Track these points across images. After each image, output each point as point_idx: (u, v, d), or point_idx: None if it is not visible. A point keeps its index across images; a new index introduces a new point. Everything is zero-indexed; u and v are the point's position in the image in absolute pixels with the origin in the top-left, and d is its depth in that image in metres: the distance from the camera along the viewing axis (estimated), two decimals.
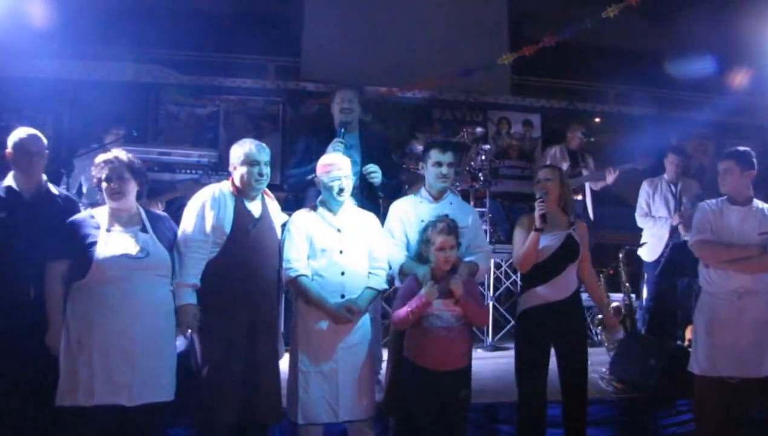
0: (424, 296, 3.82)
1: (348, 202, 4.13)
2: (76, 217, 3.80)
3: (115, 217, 3.74)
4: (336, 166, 4.06)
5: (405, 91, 8.45)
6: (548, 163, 7.81)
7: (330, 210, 4.08)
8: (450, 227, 3.95)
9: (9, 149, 3.91)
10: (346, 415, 3.94)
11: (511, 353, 4.52)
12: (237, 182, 3.94)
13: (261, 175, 3.93)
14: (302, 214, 4.11)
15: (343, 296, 3.95)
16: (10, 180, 3.93)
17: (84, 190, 5.34)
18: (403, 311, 3.88)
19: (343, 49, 8.92)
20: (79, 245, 3.64)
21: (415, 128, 8.00)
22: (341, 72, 8.76)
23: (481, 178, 7.14)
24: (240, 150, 3.95)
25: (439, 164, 4.33)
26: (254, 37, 8.94)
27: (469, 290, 3.96)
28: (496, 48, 8.87)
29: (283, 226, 4.11)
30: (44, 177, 4.01)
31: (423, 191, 4.46)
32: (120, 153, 3.80)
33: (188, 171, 6.20)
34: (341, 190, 4.03)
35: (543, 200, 4.25)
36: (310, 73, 8.96)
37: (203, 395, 3.77)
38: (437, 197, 4.40)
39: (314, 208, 4.11)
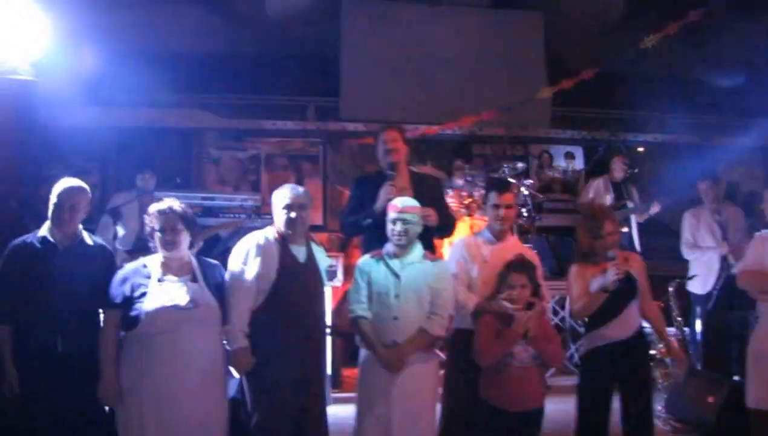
0: (514, 329, 3.83)
1: (416, 247, 4.09)
2: (129, 267, 3.83)
3: (167, 266, 3.76)
4: (395, 208, 4.06)
5: (444, 128, 8.41)
6: (592, 195, 7.72)
7: (394, 255, 4.06)
8: (522, 265, 3.98)
9: (52, 200, 3.89)
10: None
11: (563, 393, 4.42)
12: (279, 228, 3.95)
13: (302, 219, 3.94)
14: (367, 258, 4.14)
15: (395, 342, 3.92)
16: (45, 230, 3.91)
17: (120, 234, 5.39)
18: (490, 347, 3.89)
19: (382, 87, 8.96)
20: (131, 296, 3.66)
21: (455, 165, 7.93)
22: (380, 110, 8.80)
23: (525, 213, 7.08)
24: (280, 196, 3.98)
25: (497, 207, 4.35)
26: (293, 79, 9.04)
27: (544, 328, 3.96)
28: (534, 81, 8.85)
29: (331, 271, 4.10)
30: (80, 227, 4.00)
31: (485, 231, 4.46)
32: (173, 203, 3.82)
33: (232, 215, 6.25)
34: (399, 234, 4.01)
35: (617, 264, 4.08)
36: (350, 113, 8.99)
37: None
38: (499, 237, 4.39)
39: (380, 253, 4.11)
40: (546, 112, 9.19)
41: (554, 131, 9.44)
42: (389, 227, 4.06)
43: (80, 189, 3.95)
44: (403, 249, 4.05)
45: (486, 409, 3.91)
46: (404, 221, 4.01)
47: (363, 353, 4.10)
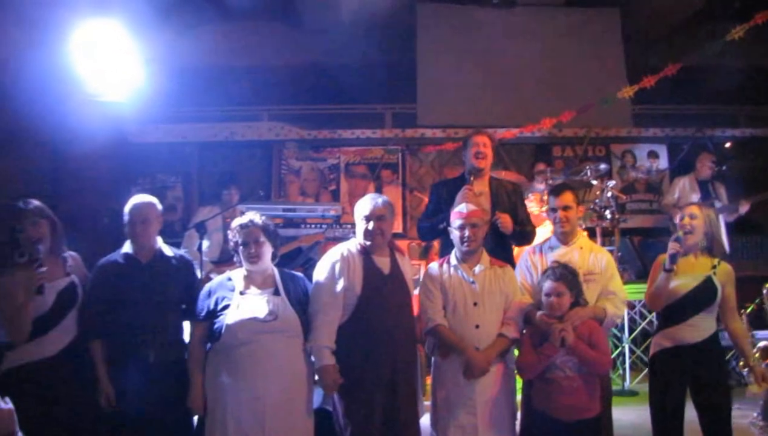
0: (545, 350, 3.76)
1: (483, 253, 4.07)
2: (215, 280, 3.93)
3: (251, 279, 3.83)
4: (460, 214, 4.04)
5: (523, 131, 8.31)
6: (677, 195, 7.50)
7: (464, 261, 4.04)
8: (558, 273, 3.86)
9: (126, 217, 3.99)
10: None
11: None
12: (362, 240, 3.96)
13: (382, 230, 3.94)
14: (436, 266, 4.11)
15: (477, 349, 3.89)
16: (127, 247, 4.02)
17: (204, 247, 5.54)
18: (530, 361, 3.84)
19: (459, 92, 8.92)
20: (215, 309, 3.76)
21: (536, 169, 7.82)
22: (458, 116, 8.78)
23: (608, 215, 6.93)
24: (361, 207, 3.99)
25: (553, 210, 4.30)
26: (370, 87, 9.11)
27: (589, 336, 3.82)
28: (614, 79, 8.68)
29: (415, 279, 4.10)
30: (159, 240, 4.10)
31: (553, 238, 4.39)
32: (255, 217, 3.89)
33: (313, 225, 6.33)
34: (464, 240, 3.99)
35: (678, 240, 4.07)
36: (427, 120, 8.99)
37: None
38: (565, 242, 4.31)
39: (448, 259, 4.08)
40: (627, 110, 8.98)
41: (636, 130, 9.17)
42: (454, 232, 4.04)
43: (149, 204, 4.03)
44: (470, 255, 4.02)
45: (541, 418, 3.84)
46: (469, 227, 3.98)
47: (436, 362, 4.07)
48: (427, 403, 4.24)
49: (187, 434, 3.92)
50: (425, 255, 7.33)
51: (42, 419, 3.41)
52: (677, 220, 4.29)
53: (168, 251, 4.09)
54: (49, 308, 3.75)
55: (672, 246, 4.05)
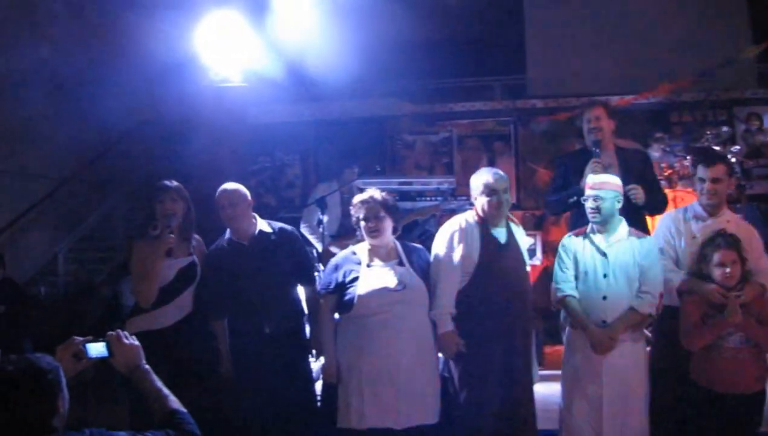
0: (727, 318, 3.65)
1: (621, 224, 4.03)
2: (340, 255, 4.14)
3: (374, 252, 3.99)
4: (591, 186, 4.02)
5: (639, 98, 8.09)
6: None
7: (599, 233, 4.02)
8: (729, 241, 3.76)
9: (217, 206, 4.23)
10: None
11: None
12: (480, 211, 4.03)
13: (500, 202, 3.99)
14: (572, 237, 4.13)
15: (604, 322, 3.89)
16: (229, 233, 4.27)
17: (324, 221, 5.74)
18: (698, 333, 3.76)
19: (569, 60, 8.79)
20: (344, 281, 3.95)
21: (654, 136, 7.58)
22: (569, 85, 8.64)
23: (733, 182, 6.67)
24: (478, 181, 4.04)
25: (702, 181, 4.17)
26: (479, 60, 9.10)
27: (759, 311, 3.73)
28: (737, 39, 8.29)
29: (530, 250, 4.14)
30: (254, 219, 4.29)
31: (696, 206, 4.27)
32: (375, 193, 4.04)
33: (428, 199, 6.42)
34: (594, 211, 3.97)
35: None
36: (537, 90, 8.91)
37: (462, 419, 3.90)
38: (711, 213, 4.19)
39: (584, 230, 4.09)
40: (752, 71, 8.56)
41: (762, 90, 8.71)
42: (586, 204, 4.03)
43: (234, 188, 4.21)
44: (602, 226, 4.00)
45: (697, 391, 3.78)
46: (597, 198, 3.95)
47: (568, 331, 4.11)
48: (553, 372, 4.26)
49: (309, 403, 4.19)
50: (540, 226, 7.32)
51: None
52: None
53: (267, 227, 4.29)
54: (169, 282, 4.07)
55: None
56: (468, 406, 3.88)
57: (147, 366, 2.59)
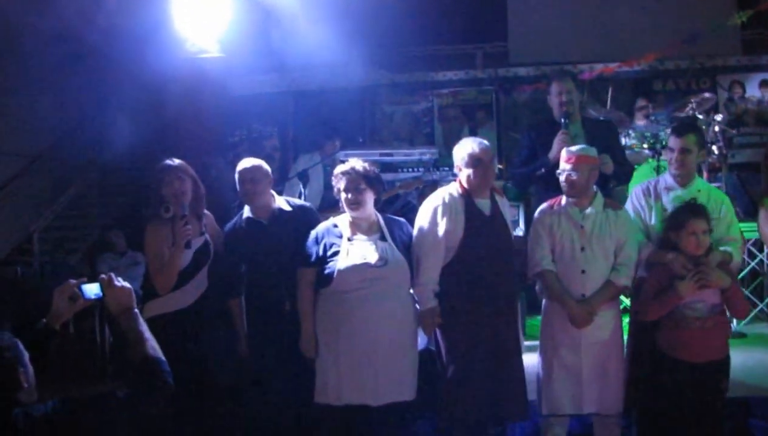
0: (680, 292, 3.64)
1: (596, 196, 3.99)
2: (321, 226, 4.01)
3: (356, 225, 3.90)
4: (566, 160, 3.95)
5: (623, 66, 8.00)
6: None
7: (575, 204, 3.97)
8: (700, 210, 3.74)
9: (237, 181, 4.17)
10: (592, 407, 3.91)
11: (762, 340, 4.15)
12: (464, 183, 3.95)
13: (486, 173, 3.92)
14: (546, 208, 4.06)
15: (583, 296, 3.86)
16: (247, 211, 4.21)
17: (305, 194, 5.66)
18: (650, 306, 3.76)
19: (552, 27, 8.67)
20: (324, 255, 3.85)
21: (637, 105, 7.52)
22: (552, 52, 8.54)
23: (715, 151, 6.64)
24: (462, 151, 3.95)
25: (671, 150, 4.16)
26: (459, 27, 8.96)
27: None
28: (722, 4, 8.19)
29: (514, 221, 4.08)
30: (273, 196, 4.24)
31: (667, 177, 4.25)
32: (357, 163, 3.93)
33: (410, 169, 6.33)
34: (570, 185, 3.92)
35: None
36: (520, 57, 8.81)
37: (449, 393, 3.87)
38: (682, 184, 4.16)
39: (558, 202, 4.03)
40: (736, 37, 8.48)
41: (747, 58, 8.65)
42: (560, 177, 3.96)
43: (256, 164, 4.17)
44: (581, 199, 3.95)
45: (667, 360, 3.77)
46: (573, 172, 3.89)
47: (544, 303, 4.08)
48: (535, 342, 4.25)
49: None
50: (522, 197, 7.24)
51: (182, 365, 3.67)
52: None
53: (285, 205, 4.24)
54: (187, 264, 4.00)
55: None
56: (455, 380, 3.85)
57: (137, 310, 2.64)
